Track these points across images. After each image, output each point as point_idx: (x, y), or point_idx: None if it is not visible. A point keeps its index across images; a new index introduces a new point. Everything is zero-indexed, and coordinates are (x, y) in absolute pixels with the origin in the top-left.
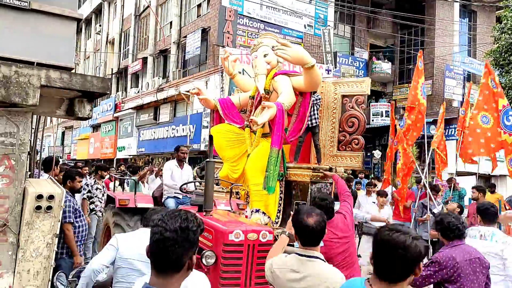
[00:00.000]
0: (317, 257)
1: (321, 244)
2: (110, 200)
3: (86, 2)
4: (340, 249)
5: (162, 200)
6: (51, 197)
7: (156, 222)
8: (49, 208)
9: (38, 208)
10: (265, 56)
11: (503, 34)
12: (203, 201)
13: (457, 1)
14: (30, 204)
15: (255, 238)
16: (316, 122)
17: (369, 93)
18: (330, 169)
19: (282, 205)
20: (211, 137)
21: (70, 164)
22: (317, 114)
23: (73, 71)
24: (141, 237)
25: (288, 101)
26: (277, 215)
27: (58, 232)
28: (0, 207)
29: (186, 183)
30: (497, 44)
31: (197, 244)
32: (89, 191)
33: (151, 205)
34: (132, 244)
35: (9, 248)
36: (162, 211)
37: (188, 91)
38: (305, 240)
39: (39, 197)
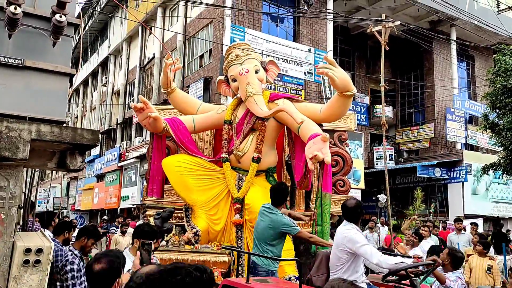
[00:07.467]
0: None
1: None
2: None
3: (93, 56)
4: None
5: None
6: (39, 250)
7: None
8: (37, 262)
9: (26, 262)
10: (256, 72)
11: (498, 77)
12: None
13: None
14: (18, 258)
15: None
16: None
17: (354, 130)
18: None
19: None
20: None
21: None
22: None
23: (65, 124)
24: None
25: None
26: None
27: (46, 287)
28: None
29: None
30: (493, 87)
31: None
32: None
33: None
34: None
35: None
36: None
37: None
38: None
39: (27, 250)
